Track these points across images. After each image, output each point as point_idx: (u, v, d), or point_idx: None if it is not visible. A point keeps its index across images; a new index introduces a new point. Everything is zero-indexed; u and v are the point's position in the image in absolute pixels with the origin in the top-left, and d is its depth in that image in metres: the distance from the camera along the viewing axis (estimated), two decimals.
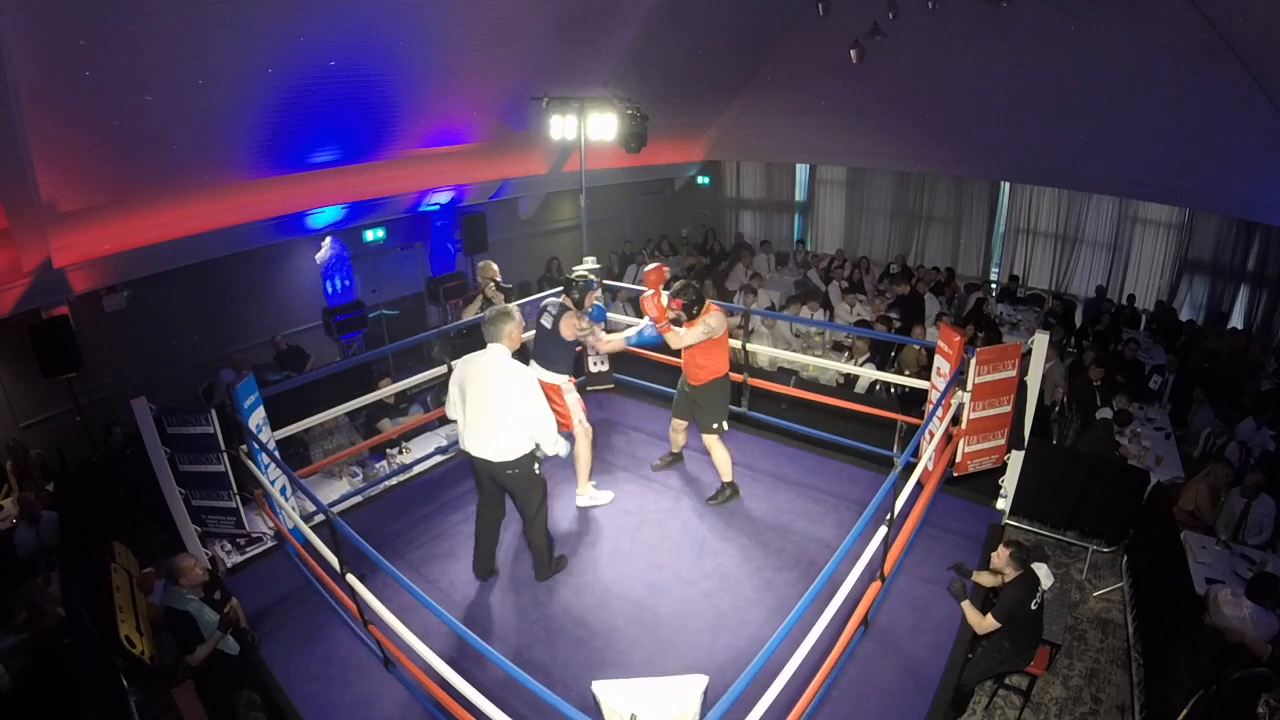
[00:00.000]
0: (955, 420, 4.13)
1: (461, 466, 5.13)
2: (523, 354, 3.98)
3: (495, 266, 5.91)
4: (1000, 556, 3.49)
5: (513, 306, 3.53)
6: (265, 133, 5.90)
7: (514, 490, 3.56)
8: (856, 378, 6.48)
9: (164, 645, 4.09)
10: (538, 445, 3.48)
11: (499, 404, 3.34)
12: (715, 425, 4.33)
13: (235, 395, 3.80)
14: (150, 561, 4.70)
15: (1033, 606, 3.44)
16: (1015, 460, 4.37)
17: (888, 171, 11.20)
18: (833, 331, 7.93)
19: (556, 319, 4.19)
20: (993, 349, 4.06)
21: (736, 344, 5.26)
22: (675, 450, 4.91)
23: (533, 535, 3.70)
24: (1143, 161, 7.66)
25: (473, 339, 7.37)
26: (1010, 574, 3.46)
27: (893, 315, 8.28)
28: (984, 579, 3.71)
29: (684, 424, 4.71)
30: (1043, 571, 3.67)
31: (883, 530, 3.09)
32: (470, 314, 5.72)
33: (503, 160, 8.43)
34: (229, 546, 4.33)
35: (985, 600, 3.65)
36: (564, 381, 4.26)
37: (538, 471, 3.54)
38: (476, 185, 8.55)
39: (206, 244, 6.32)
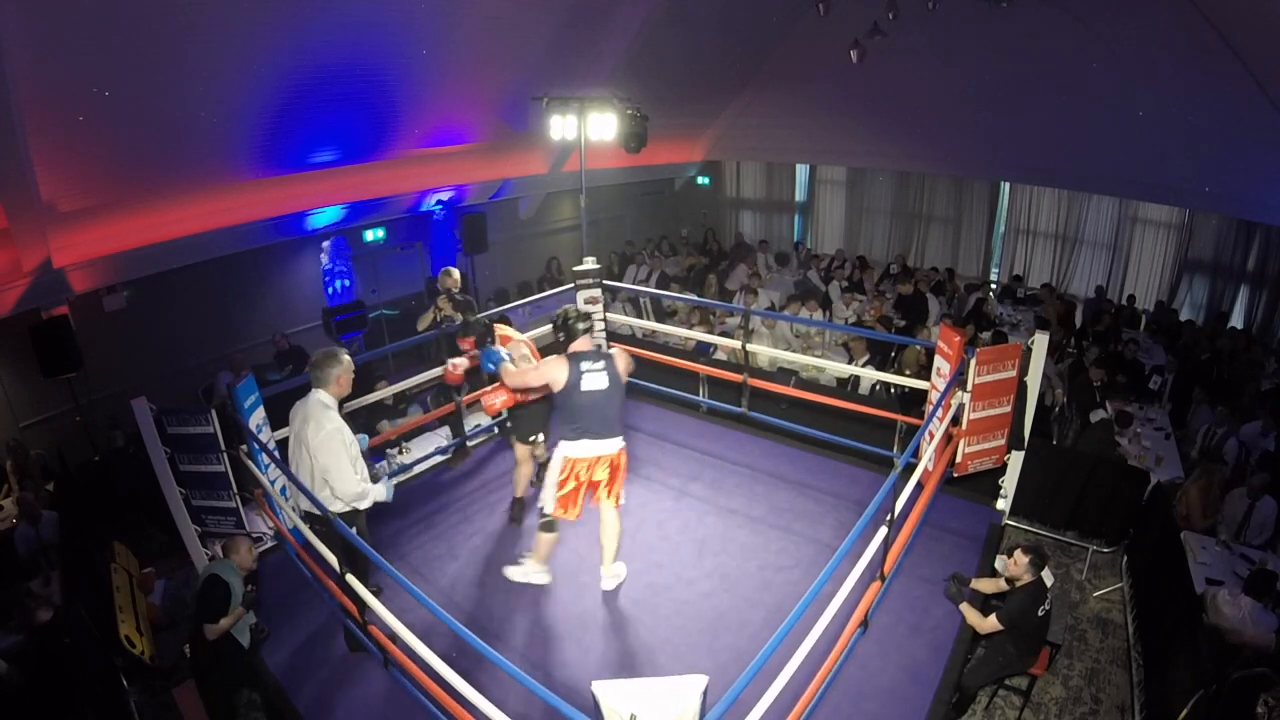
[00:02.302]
0: (955, 420, 4.13)
1: (462, 466, 5.14)
2: None
3: (456, 275, 5.51)
4: (1019, 563, 3.45)
5: (342, 351, 3.31)
6: (265, 133, 5.90)
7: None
8: (858, 378, 6.48)
9: (164, 645, 4.10)
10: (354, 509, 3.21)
11: (306, 455, 3.17)
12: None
13: (235, 395, 3.80)
14: (150, 561, 4.70)
15: (1040, 613, 3.44)
16: (1015, 460, 4.37)
17: (888, 171, 11.19)
18: (834, 333, 7.93)
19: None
20: (993, 349, 4.07)
21: (736, 344, 5.26)
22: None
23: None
24: (1143, 161, 7.66)
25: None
26: (1026, 579, 3.45)
27: (891, 315, 8.27)
28: (984, 585, 3.70)
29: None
30: (1043, 572, 3.67)
31: (883, 530, 3.09)
32: (423, 326, 5.45)
33: (503, 160, 8.43)
34: None
35: (985, 603, 3.65)
36: (555, 454, 3.60)
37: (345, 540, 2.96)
38: (476, 185, 8.55)
39: (206, 244, 6.32)
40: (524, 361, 4.08)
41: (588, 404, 3.41)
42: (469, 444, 5.29)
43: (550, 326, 3.84)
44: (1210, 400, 6.63)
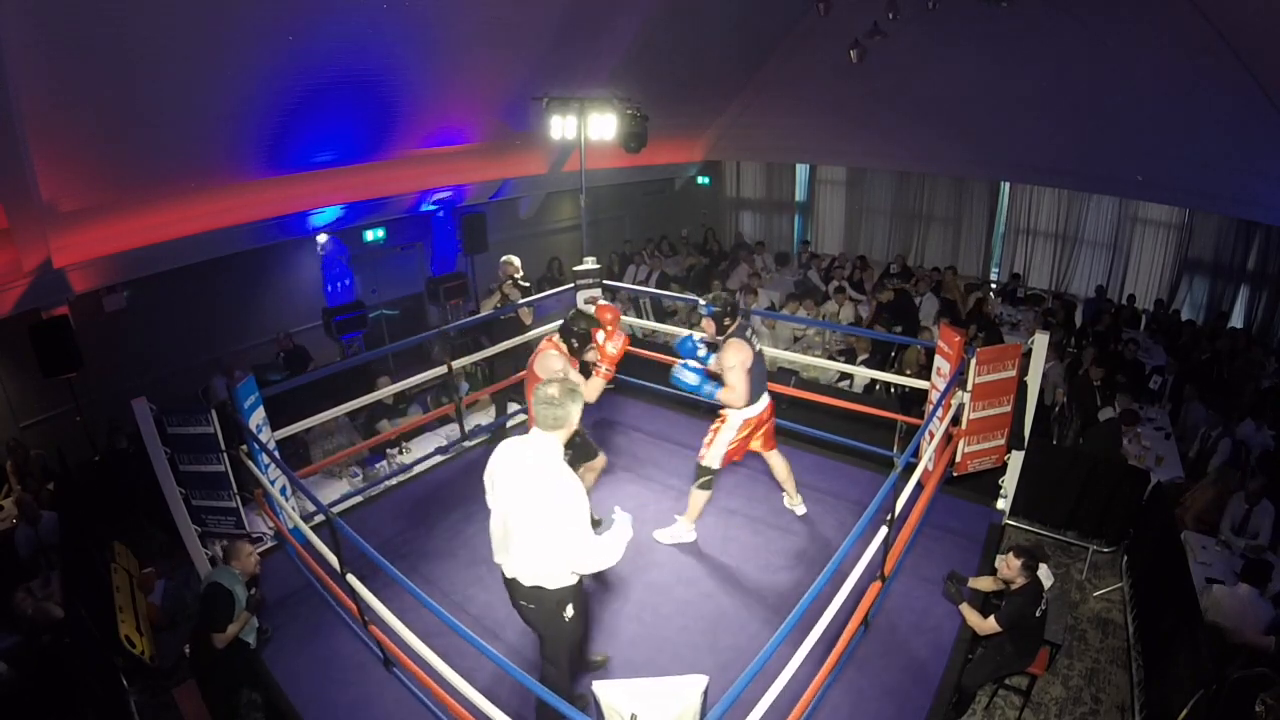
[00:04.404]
0: (955, 420, 4.13)
1: (461, 466, 5.13)
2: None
3: (517, 261, 5.48)
4: (1011, 566, 3.44)
5: (579, 385, 2.79)
6: (265, 133, 5.90)
7: (532, 625, 2.73)
8: (851, 376, 6.49)
9: (164, 645, 4.10)
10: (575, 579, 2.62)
11: (527, 516, 2.49)
12: None
13: (235, 395, 3.80)
14: (150, 561, 4.71)
15: (1037, 614, 3.44)
16: (1015, 460, 4.37)
17: (888, 171, 11.19)
18: (834, 336, 7.93)
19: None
20: (993, 349, 4.07)
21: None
22: None
23: (547, 673, 2.75)
24: (1143, 161, 7.66)
25: (470, 339, 7.45)
26: (1020, 582, 3.45)
27: (886, 318, 8.27)
28: (983, 584, 3.70)
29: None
30: (1043, 572, 3.66)
31: (883, 530, 3.09)
32: (487, 308, 5.39)
33: (503, 160, 8.43)
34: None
35: (985, 602, 3.65)
36: (733, 414, 3.86)
37: (566, 617, 2.62)
38: (476, 185, 8.55)
39: (206, 244, 6.32)
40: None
41: (759, 370, 3.82)
42: (466, 443, 5.28)
43: (559, 325, 3.84)
44: (1202, 398, 6.64)
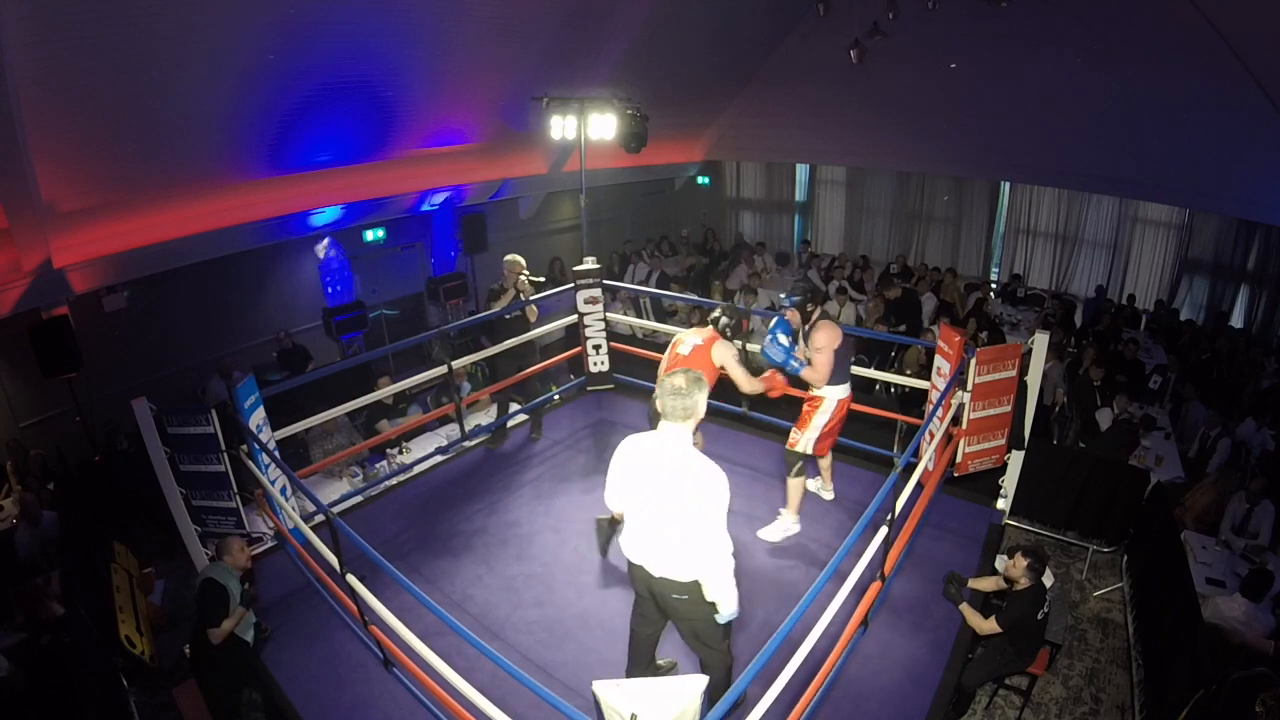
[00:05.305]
0: (955, 420, 4.13)
1: (461, 466, 5.13)
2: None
3: (523, 261, 5.33)
4: (1017, 566, 3.45)
5: (702, 374, 2.64)
6: (265, 133, 5.90)
7: (674, 615, 2.65)
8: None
9: (164, 645, 4.10)
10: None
11: (672, 507, 2.45)
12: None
13: (235, 395, 3.80)
14: (150, 561, 4.71)
15: (1039, 616, 3.44)
16: (1015, 460, 4.37)
17: (888, 171, 11.20)
18: None
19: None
20: (993, 349, 4.07)
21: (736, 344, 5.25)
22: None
23: (709, 664, 2.71)
24: (1143, 161, 7.66)
25: (470, 338, 7.45)
26: (1024, 583, 3.45)
27: (891, 313, 8.28)
28: (983, 584, 3.70)
29: None
30: (1044, 573, 3.67)
31: (883, 530, 3.09)
32: (501, 306, 5.14)
33: (503, 160, 8.43)
34: None
35: (985, 602, 3.65)
36: (830, 393, 3.88)
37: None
38: (476, 185, 8.55)
39: (206, 244, 6.32)
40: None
41: (846, 352, 3.83)
42: (466, 443, 5.28)
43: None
44: (1202, 398, 6.64)
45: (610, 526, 3.86)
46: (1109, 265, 9.90)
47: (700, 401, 2.51)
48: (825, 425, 3.92)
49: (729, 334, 3.89)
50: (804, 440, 3.95)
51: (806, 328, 3.85)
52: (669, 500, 2.45)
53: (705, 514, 2.42)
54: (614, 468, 2.65)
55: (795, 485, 4.05)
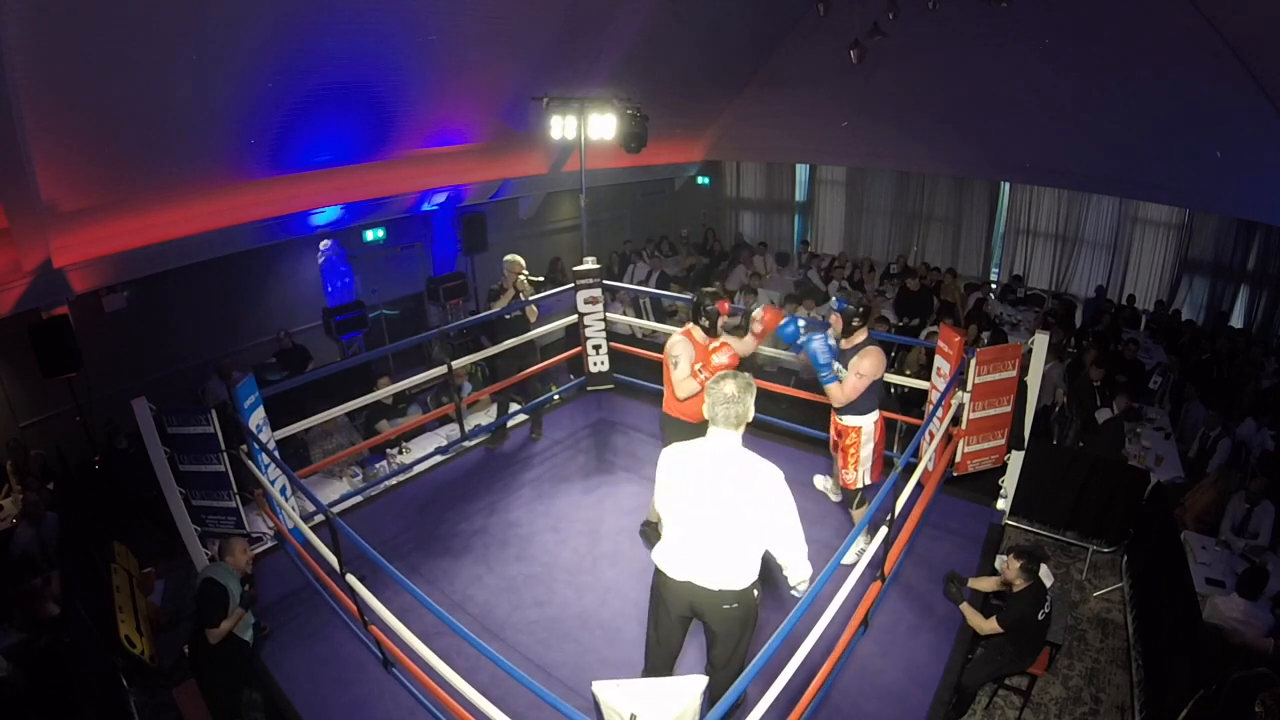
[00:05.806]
0: (955, 420, 4.13)
1: (461, 466, 5.13)
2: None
3: (523, 260, 5.28)
4: (1011, 569, 3.46)
5: (749, 376, 2.57)
6: (265, 132, 5.90)
7: (720, 629, 2.56)
8: None
9: (164, 645, 4.10)
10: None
11: (729, 515, 2.40)
12: None
13: (235, 395, 3.80)
14: (150, 561, 4.70)
15: (1039, 617, 3.44)
16: (1015, 460, 4.37)
17: (888, 171, 11.20)
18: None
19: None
20: (993, 349, 4.07)
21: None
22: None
23: (722, 681, 2.55)
24: (1143, 161, 7.66)
25: (470, 338, 7.45)
26: (1021, 585, 3.45)
27: (888, 316, 8.27)
28: (984, 584, 3.70)
29: None
30: (1043, 572, 3.67)
31: (883, 530, 3.09)
32: (500, 306, 5.10)
33: (503, 160, 8.43)
34: None
35: (985, 602, 3.65)
36: (865, 422, 3.69)
37: (757, 597, 2.55)
38: (476, 185, 8.55)
39: (206, 244, 6.32)
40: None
41: (880, 381, 3.69)
42: (466, 443, 5.28)
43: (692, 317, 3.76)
44: (1202, 398, 6.64)
45: (656, 532, 3.79)
46: (1109, 265, 9.90)
47: (750, 406, 2.49)
48: (872, 453, 3.78)
49: (707, 325, 3.68)
50: (859, 475, 3.80)
51: (845, 342, 3.68)
52: (725, 508, 2.41)
53: (774, 513, 2.41)
54: (661, 477, 2.59)
55: (859, 515, 3.91)
